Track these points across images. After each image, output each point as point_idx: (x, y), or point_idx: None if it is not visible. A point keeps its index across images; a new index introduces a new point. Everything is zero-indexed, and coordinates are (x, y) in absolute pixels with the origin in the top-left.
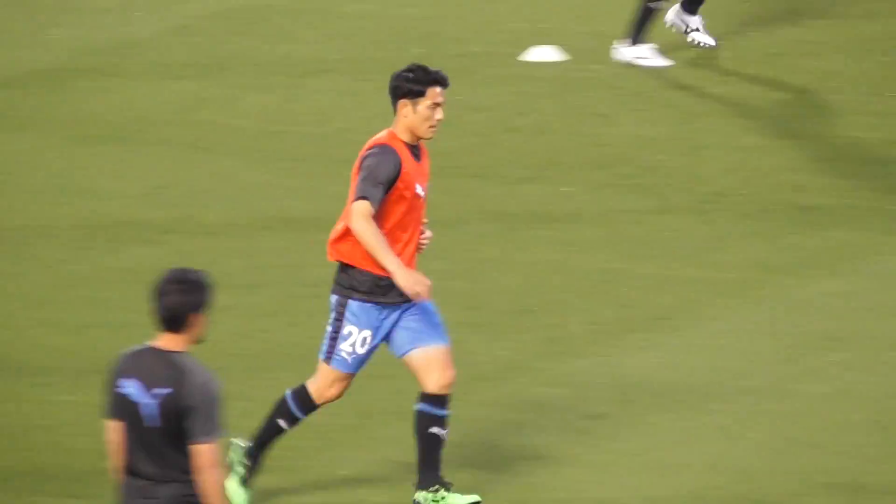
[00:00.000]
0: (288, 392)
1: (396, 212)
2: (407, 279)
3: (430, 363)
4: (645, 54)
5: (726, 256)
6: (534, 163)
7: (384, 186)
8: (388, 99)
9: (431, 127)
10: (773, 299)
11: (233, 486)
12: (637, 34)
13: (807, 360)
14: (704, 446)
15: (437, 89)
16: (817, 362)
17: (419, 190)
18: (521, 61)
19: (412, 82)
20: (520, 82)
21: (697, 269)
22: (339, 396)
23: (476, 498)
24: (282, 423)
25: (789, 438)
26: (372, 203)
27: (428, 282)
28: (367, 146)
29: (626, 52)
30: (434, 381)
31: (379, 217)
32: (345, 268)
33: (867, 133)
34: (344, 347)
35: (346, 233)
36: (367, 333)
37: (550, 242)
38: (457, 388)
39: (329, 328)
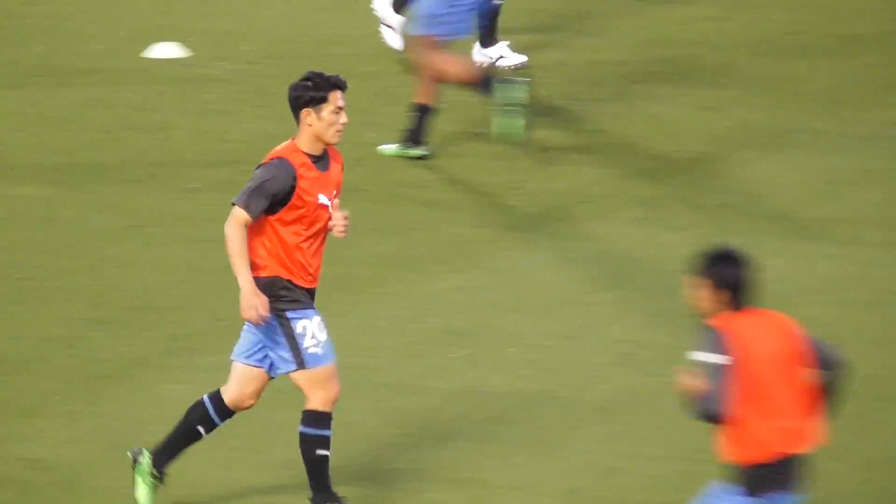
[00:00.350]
0: (302, 420)
1: (301, 225)
2: (249, 299)
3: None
4: (396, 25)
5: (349, 252)
6: (157, 160)
7: (269, 200)
8: (4, 95)
9: (338, 131)
10: (397, 295)
11: None
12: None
13: (431, 356)
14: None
15: (338, 93)
16: (441, 359)
17: (322, 199)
18: (143, 58)
19: (313, 90)
20: (142, 79)
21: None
22: (339, 391)
23: None
24: (320, 451)
25: (415, 435)
26: (249, 212)
27: (264, 314)
28: (266, 157)
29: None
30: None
31: (282, 235)
32: (272, 281)
33: (489, 129)
34: (308, 343)
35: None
36: (317, 318)
37: (175, 240)
38: (81, 386)
39: (281, 341)
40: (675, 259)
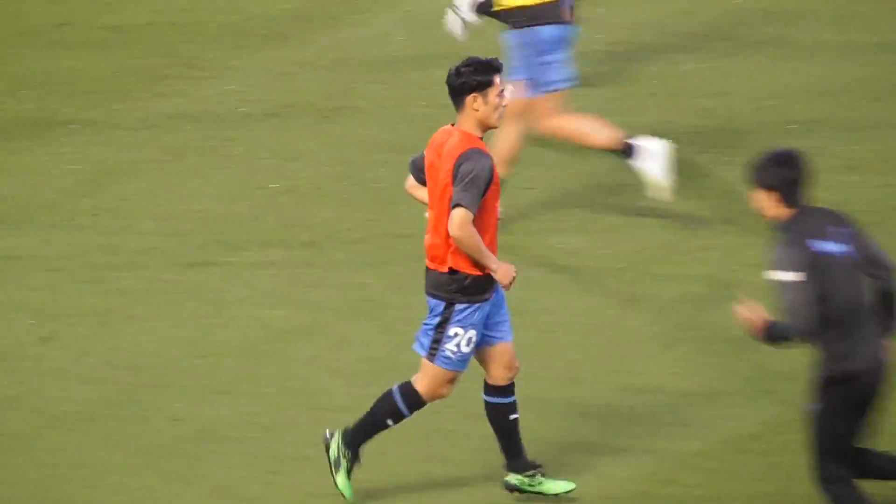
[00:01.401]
0: (395, 388)
1: (493, 207)
2: (507, 275)
3: (500, 357)
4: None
5: None
6: None
7: (483, 193)
8: None
9: (501, 115)
10: None
11: (340, 480)
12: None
13: None
14: None
15: (499, 76)
16: None
17: (498, 180)
18: None
19: (478, 74)
20: None
21: None
22: (447, 395)
23: (572, 486)
24: (389, 421)
25: None
26: (472, 210)
27: (515, 273)
28: (453, 152)
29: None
30: (501, 375)
31: (482, 218)
32: (450, 273)
33: None
34: (449, 347)
35: (449, 240)
36: (472, 333)
37: None
38: None
39: (430, 328)
40: None
